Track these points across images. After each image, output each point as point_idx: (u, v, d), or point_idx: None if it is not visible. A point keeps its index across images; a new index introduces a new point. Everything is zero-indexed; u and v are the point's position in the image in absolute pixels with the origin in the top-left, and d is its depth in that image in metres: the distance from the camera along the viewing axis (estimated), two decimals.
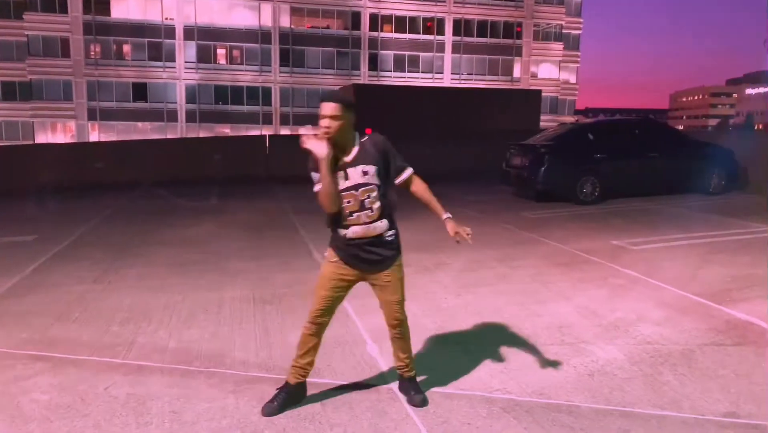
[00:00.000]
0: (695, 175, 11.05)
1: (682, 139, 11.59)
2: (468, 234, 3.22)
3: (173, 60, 44.00)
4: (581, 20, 54.98)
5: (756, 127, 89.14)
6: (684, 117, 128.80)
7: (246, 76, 45.65)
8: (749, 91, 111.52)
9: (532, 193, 10.98)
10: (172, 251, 7.40)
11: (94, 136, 42.18)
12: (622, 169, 10.67)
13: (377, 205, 3.13)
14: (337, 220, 3.19)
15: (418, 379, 3.53)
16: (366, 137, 3.21)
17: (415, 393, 3.42)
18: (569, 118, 54.29)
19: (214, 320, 4.85)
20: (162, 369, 3.89)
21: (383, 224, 3.18)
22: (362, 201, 3.11)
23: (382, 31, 47.70)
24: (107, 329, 4.67)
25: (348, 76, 46.16)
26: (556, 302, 5.26)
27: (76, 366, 3.95)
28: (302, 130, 3.05)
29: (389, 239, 3.22)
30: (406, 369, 3.47)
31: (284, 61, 46.15)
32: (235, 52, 45.93)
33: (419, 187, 3.33)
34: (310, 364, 3.40)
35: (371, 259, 3.20)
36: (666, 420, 3.21)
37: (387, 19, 47.87)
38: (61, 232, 8.83)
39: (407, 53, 48.24)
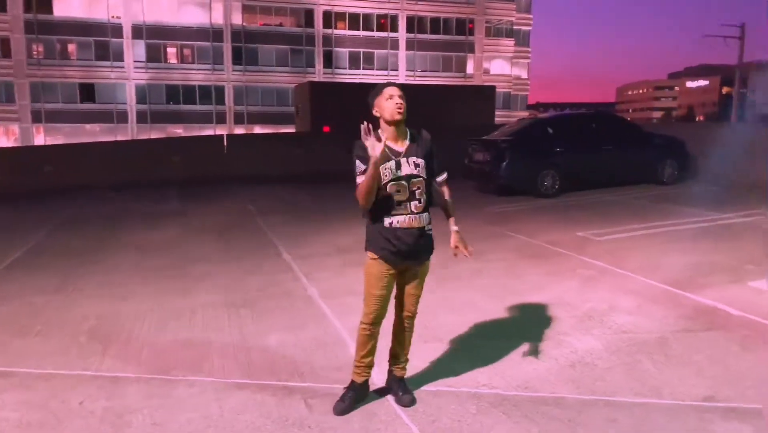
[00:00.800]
0: (649, 165, 11.39)
1: (636, 131, 11.92)
2: (469, 252, 3.34)
3: (121, 59, 42.73)
4: (531, 17, 55.96)
5: (697, 119, 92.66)
6: (630, 110, 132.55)
7: (198, 75, 44.74)
8: (690, 84, 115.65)
9: (494, 187, 11.11)
10: (136, 257, 7.18)
11: (39, 140, 40.59)
12: (580, 162, 10.89)
13: (425, 197, 3.18)
14: (384, 208, 3.13)
15: (405, 377, 3.51)
16: (417, 131, 3.25)
17: (404, 393, 3.41)
18: (522, 114, 55.19)
19: (187, 327, 4.72)
20: (139, 380, 3.76)
21: (427, 216, 3.22)
22: (413, 191, 3.13)
23: (336, 28, 47.46)
24: (75, 340, 4.49)
25: (303, 74, 45.75)
26: (530, 294, 5.32)
27: (46, 381, 3.77)
28: (363, 129, 3.03)
29: (429, 232, 3.26)
30: (398, 367, 3.46)
31: (237, 59, 45.41)
32: (186, 51, 44.95)
33: (444, 192, 3.37)
34: (373, 361, 3.38)
35: (411, 251, 3.17)
36: (649, 407, 3.28)
37: (341, 16, 47.66)
38: (14, 240, 8.45)
39: (362, 50, 48.17)
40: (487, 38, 51.47)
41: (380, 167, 3.06)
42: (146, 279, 6.18)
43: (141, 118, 43.68)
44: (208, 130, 43.76)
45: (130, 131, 43.33)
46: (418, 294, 3.35)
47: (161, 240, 8.18)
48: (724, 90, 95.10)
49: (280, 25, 46.83)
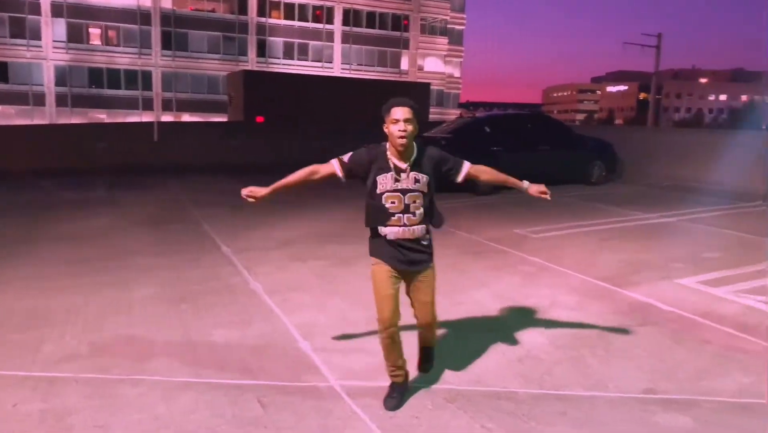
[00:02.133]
0: (580, 166, 11.87)
1: (568, 133, 12.39)
2: (546, 192, 3.52)
3: (39, 38, 40.31)
4: (464, 16, 56.94)
5: (616, 122, 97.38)
6: (555, 111, 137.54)
7: (124, 59, 42.85)
8: (610, 89, 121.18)
9: None
10: (65, 248, 6.79)
11: None
12: (516, 161, 11.10)
13: (420, 211, 3.21)
14: (379, 218, 3.19)
15: (361, 374, 3.51)
16: (424, 148, 3.24)
17: (389, 399, 3.34)
18: (454, 111, 56.13)
19: (126, 323, 4.51)
20: (77, 379, 3.55)
21: (421, 228, 3.25)
22: (407, 205, 3.17)
23: (270, 17, 46.63)
24: (3, 338, 4.19)
25: (235, 62, 44.72)
26: (475, 290, 5.42)
27: None
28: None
29: (425, 243, 3.31)
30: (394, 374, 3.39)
31: (166, 44, 43.79)
32: (111, 33, 42.96)
33: (487, 172, 3.50)
34: (404, 362, 3.40)
35: (407, 259, 3.25)
36: (596, 400, 3.41)
37: (275, 5, 46.85)
38: None
39: (297, 41, 47.57)
40: (422, 35, 51.99)
41: (379, 177, 3.14)
42: (78, 272, 5.86)
43: (61, 101, 41.39)
44: (134, 117, 41.98)
45: (48, 115, 40.98)
46: (428, 300, 3.39)
47: (92, 231, 7.77)
48: (641, 96, 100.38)
49: (213, 11, 45.53)
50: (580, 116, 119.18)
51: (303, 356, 3.98)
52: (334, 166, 3.22)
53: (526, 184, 3.54)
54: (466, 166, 3.36)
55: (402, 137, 3.07)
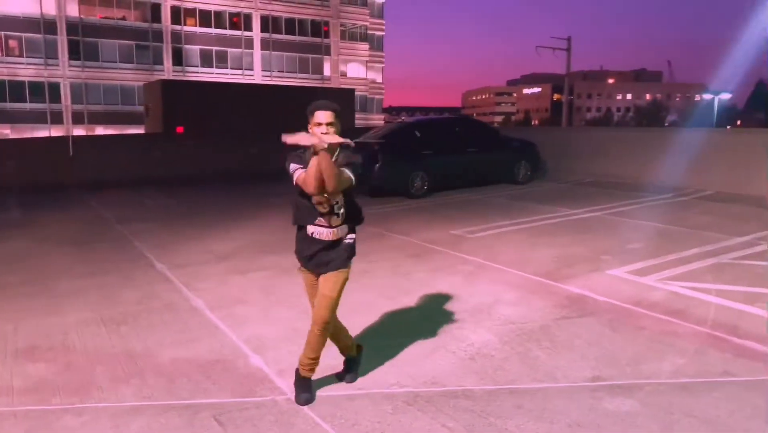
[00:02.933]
0: (507, 167, 12.27)
1: (494, 135, 12.77)
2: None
3: None
4: (384, 22, 57.58)
5: (533, 123, 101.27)
6: (474, 114, 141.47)
7: (27, 70, 40.48)
8: (526, 91, 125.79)
9: (366, 188, 11.28)
10: None
11: None
12: (446, 164, 11.44)
13: (342, 211, 3.34)
14: (306, 216, 3.33)
15: (317, 384, 3.50)
16: (344, 149, 3.27)
17: (302, 391, 3.44)
18: (378, 117, 56.69)
19: (62, 350, 4.27)
20: (15, 413, 3.34)
21: (343, 229, 3.39)
22: (332, 206, 3.30)
23: (185, 24, 45.37)
24: None
25: (150, 72, 43.19)
26: (420, 291, 5.49)
27: None
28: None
29: (348, 242, 3.42)
30: (306, 367, 3.45)
31: (74, 54, 41.71)
32: (12, 43, 40.47)
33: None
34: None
35: (325, 260, 3.37)
36: (548, 391, 3.54)
37: (190, 12, 45.65)
38: None
39: (214, 48, 46.52)
40: (342, 41, 52.12)
41: None
42: (2, 297, 5.48)
43: None
44: (42, 131, 39.75)
45: None
46: (330, 295, 3.37)
47: (8, 254, 7.29)
48: (555, 97, 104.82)
49: (123, 18, 43.79)
50: (498, 118, 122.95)
51: (256, 370, 3.91)
52: (296, 175, 3.25)
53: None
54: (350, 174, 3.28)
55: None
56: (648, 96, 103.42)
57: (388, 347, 4.21)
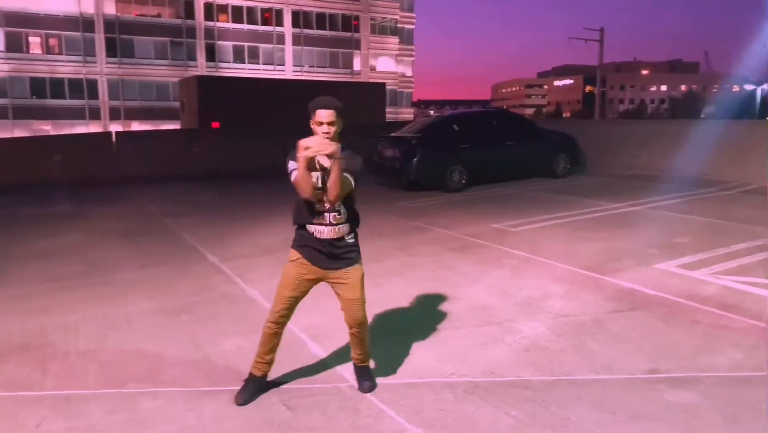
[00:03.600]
0: (545, 160, 12.21)
1: (533, 128, 12.71)
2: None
3: None
4: (414, 15, 57.41)
5: (564, 115, 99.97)
6: (504, 107, 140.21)
7: (67, 68, 41.48)
8: (557, 83, 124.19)
9: (404, 183, 11.37)
10: (44, 265, 6.61)
11: None
12: (484, 157, 11.44)
13: (344, 208, 3.30)
14: (306, 215, 3.28)
15: (377, 372, 3.61)
16: (347, 146, 3.25)
17: (363, 379, 3.55)
18: (408, 111, 56.63)
19: (129, 337, 4.46)
20: (95, 396, 3.52)
21: (346, 227, 3.34)
22: (333, 203, 3.24)
23: (218, 21, 45.93)
24: (5, 359, 4.10)
25: (184, 68, 43.87)
26: (467, 285, 5.56)
27: None
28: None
29: (350, 240, 3.39)
30: (358, 361, 3.58)
31: (111, 51, 42.61)
32: (53, 41, 41.51)
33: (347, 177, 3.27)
34: (273, 359, 3.52)
35: (332, 253, 3.32)
36: (606, 383, 3.59)
37: (222, 8, 46.19)
38: None
39: (246, 44, 47.01)
40: (372, 35, 52.15)
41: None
42: (64, 288, 5.73)
43: (1, 113, 39.74)
44: (81, 127, 40.74)
45: None
46: (356, 298, 3.35)
47: (66, 246, 7.58)
48: (587, 88, 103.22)
49: (158, 15, 44.54)
50: (529, 111, 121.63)
51: (316, 358, 4.03)
52: (292, 177, 3.19)
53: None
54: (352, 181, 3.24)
55: (327, 139, 3.11)
56: (683, 87, 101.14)
57: (441, 338, 4.30)
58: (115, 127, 40.41)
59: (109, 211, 10.38)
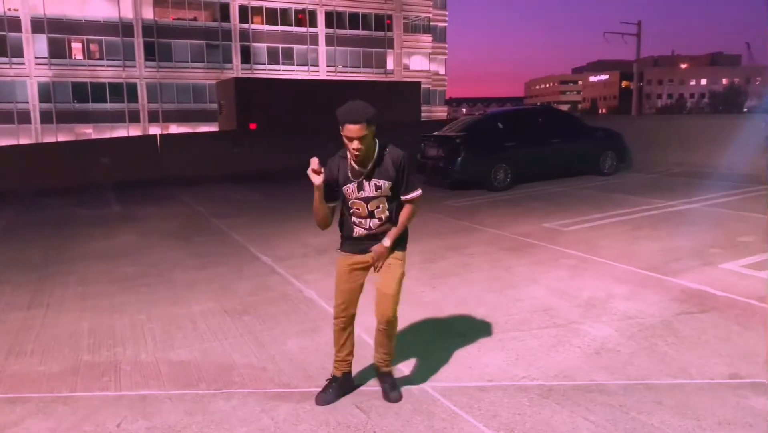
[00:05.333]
0: (592, 157, 11.99)
1: (578, 125, 12.50)
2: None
3: (21, 55, 39.90)
4: (447, 13, 57.17)
5: (600, 111, 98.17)
6: (538, 103, 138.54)
7: (107, 72, 42.52)
8: (592, 78, 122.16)
9: (448, 181, 11.30)
10: (103, 266, 6.76)
11: None
12: (529, 155, 11.29)
13: (386, 214, 3.29)
14: (348, 223, 3.35)
15: (440, 375, 3.55)
16: (386, 151, 3.24)
17: (391, 389, 3.46)
18: (441, 109, 56.45)
19: (195, 337, 4.51)
20: (170, 396, 3.56)
21: (389, 226, 3.33)
22: (371, 211, 3.26)
23: (252, 23, 46.49)
24: (77, 358, 4.18)
25: (220, 70, 44.60)
26: (526, 286, 5.48)
27: (65, 404, 3.50)
28: (312, 162, 3.11)
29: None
30: (383, 364, 3.52)
31: (149, 55, 43.54)
32: (93, 46, 42.60)
33: (406, 211, 3.34)
34: (350, 354, 3.51)
35: (371, 245, 3.34)
36: (685, 388, 3.47)
37: (257, 10, 46.73)
38: None
39: (281, 46, 47.47)
40: (405, 34, 52.11)
41: (345, 186, 3.22)
42: (125, 288, 5.84)
43: (45, 118, 41.00)
44: (121, 130, 41.77)
45: (33, 132, 40.60)
46: (390, 293, 3.30)
47: (122, 247, 7.74)
48: (624, 84, 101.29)
49: (194, 19, 45.31)
50: (564, 107, 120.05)
51: None
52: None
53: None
54: (416, 193, 3.28)
55: (356, 155, 3.11)
56: (725, 81, 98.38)
57: (507, 340, 4.24)
58: (154, 130, 41.30)
59: (158, 212, 10.57)
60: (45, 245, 8.06)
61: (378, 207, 3.24)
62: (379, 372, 3.54)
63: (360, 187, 3.20)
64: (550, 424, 3.13)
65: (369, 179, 3.19)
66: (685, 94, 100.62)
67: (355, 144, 3.07)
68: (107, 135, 38.11)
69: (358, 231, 3.31)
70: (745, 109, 77.90)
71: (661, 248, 6.57)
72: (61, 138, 36.96)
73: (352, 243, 3.36)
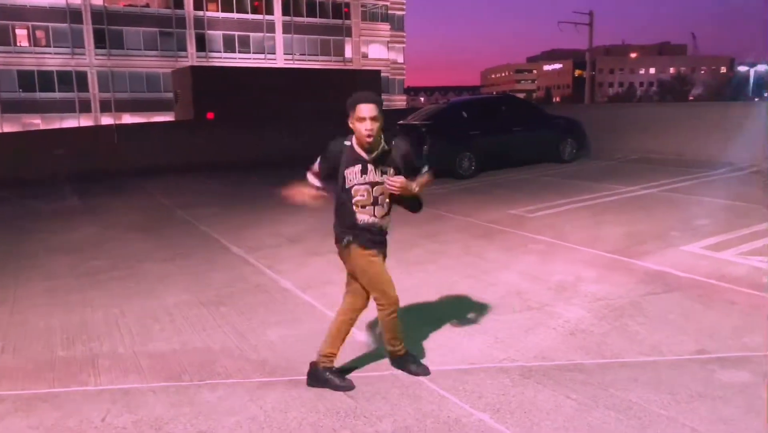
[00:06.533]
0: (552, 145, 12.25)
1: (539, 113, 12.75)
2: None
3: None
4: (404, 1, 57.05)
5: (554, 100, 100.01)
6: (494, 92, 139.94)
7: (55, 60, 40.98)
8: (546, 67, 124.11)
9: None
10: (69, 259, 6.58)
11: None
12: (493, 143, 11.46)
13: (387, 201, 3.33)
14: (350, 209, 3.30)
15: (424, 360, 3.66)
16: (393, 142, 3.30)
17: (417, 366, 3.57)
18: (400, 98, 56.51)
19: (173, 330, 4.47)
20: (153, 389, 3.53)
21: (387, 219, 3.39)
22: (376, 198, 3.27)
23: (207, 10, 45.44)
24: (52, 354, 4.09)
25: (174, 58, 43.47)
26: (499, 271, 5.60)
27: (46, 401, 3.43)
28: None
29: (385, 231, 3.44)
30: (399, 349, 3.58)
31: (100, 42, 42.09)
32: (39, 33, 40.96)
33: (426, 176, 3.44)
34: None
35: (379, 240, 3.39)
36: (658, 364, 3.64)
37: None
38: None
39: (237, 33, 46.60)
40: (363, 22, 51.82)
41: (347, 170, 3.23)
42: (94, 282, 5.71)
43: None
44: (71, 120, 40.39)
45: None
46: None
47: (85, 240, 7.54)
48: (576, 73, 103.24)
49: (147, 6, 44.03)
50: (520, 96, 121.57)
51: (365, 346, 4.05)
52: (311, 180, 3.40)
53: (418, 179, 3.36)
54: (424, 168, 3.40)
55: (369, 135, 3.13)
56: (672, 70, 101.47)
57: (484, 324, 4.34)
58: (106, 120, 40.02)
59: (119, 204, 10.32)
60: (4, 239, 7.78)
61: (382, 194, 3.25)
62: (396, 358, 3.60)
63: (364, 171, 3.21)
64: (534, 403, 3.24)
65: (375, 164, 3.22)
66: (635, 83, 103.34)
67: (368, 124, 3.09)
68: (56, 125, 36.81)
69: (362, 218, 3.27)
70: (691, 98, 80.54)
71: (625, 232, 6.79)
72: (7, 129, 35.50)
73: (362, 234, 3.28)
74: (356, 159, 3.23)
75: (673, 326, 4.19)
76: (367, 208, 3.27)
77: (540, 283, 5.21)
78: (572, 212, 8.01)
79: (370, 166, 3.23)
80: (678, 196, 8.71)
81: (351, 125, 3.20)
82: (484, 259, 6.04)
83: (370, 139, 3.14)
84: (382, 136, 3.24)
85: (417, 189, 3.28)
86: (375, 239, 3.33)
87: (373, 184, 3.25)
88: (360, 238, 3.30)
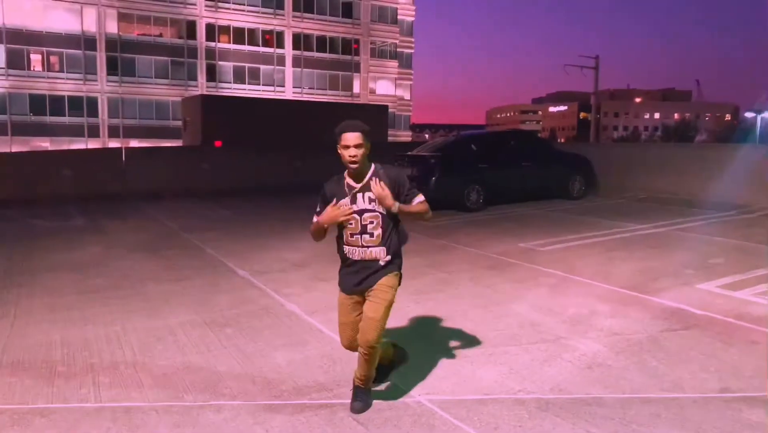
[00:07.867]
0: (561, 181, 12.21)
1: (549, 149, 12.76)
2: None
3: None
4: (413, 40, 58.04)
5: (559, 141, 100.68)
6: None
7: (67, 85, 41.53)
8: (552, 109, 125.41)
9: None
10: (71, 277, 6.47)
11: None
12: (502, 177, 11.43)
13: (378, 232, 3.23)
14: (342, 238, 3.33)
15: (435, 388, 3.49)
16: (381, 168, 3.30)
17: (357, 399, 3.38)
18: (405, 133, 56.92)
19: (176, 349, 4.34)
20: (155, 408, 3.39)
21: (380, 250, 3.26)
22: (364, 225, 3.23)
23: (219, 41, 46.22)
24: (51, 369, 3.96)
25: (184, 87, 44.03)
26: (511, 302, 5.48)
27: (44, 416, 3.29)
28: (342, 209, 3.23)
29: (382, 264, 3.28)
30: (361, 381, 3.41)
31: (112, 69, 42.75)
32: (53, 58, 41.60)
33: (424, 205, 3.35)
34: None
35: (361, 280, 3.29)
36: (681, 401, 3.49)
37: (224, 29, 46.51)
38: None
39: (247, 65, 47.29)
40: (372, 59, 52.60)
41: (340, 202, 3.23)
42: (97, 301, 5.59)
43: (0, 129, 39.58)
44: (79, 144, 40.68)
45: None
46: (375, 317, 3.21)
47: (90, 259, 7.44)
48: (582, 115, 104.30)
49: (160, 35, 44.78)
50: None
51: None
52: (314, 219, 3.36)
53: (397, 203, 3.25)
54: (420, 198, 3.30)
55: (353, 162, 3.16)
56: (676, 115, 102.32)
57: (499, 354, 4.21)
58: (114, 145, 40.26)
59: (125, 225, 10.24)
60: (5, 257, 7.68)
61: (371, 222, 3.21)
62: (355, 386, 3.42)
63: (354, 200, 3.22)
64: None
65: (362, 192, 3.22)
66: (640, 127, 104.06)
67: (352, 151, 3.13)
68: (70, 148, 37.01)
69: (350, 251, 3.27)
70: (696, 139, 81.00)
71: (638, 269, 6.68)
72: (15, 150, 35.70)
73: (347, 276, 3.32)
74: (347, 190, 3.25)
75: (694, 363, 4.04)
76: (354, 237, 3.24)
77: (553, 315, 5.08)
78: (583, 248, 7.90)
79: (359, 195, 3.22)
80: (690, 235, 8.61)
81: (340, 153, 3.21)
82: (495, 290, 5.91)
83: (354, 165, 3.17)
84: (374, 165, 3.25)
85: (396, 207, 3.18)
86: (356, 279, 3.27)
87: (361, 212, 3.22)
88: (342, 280, 3.38)
